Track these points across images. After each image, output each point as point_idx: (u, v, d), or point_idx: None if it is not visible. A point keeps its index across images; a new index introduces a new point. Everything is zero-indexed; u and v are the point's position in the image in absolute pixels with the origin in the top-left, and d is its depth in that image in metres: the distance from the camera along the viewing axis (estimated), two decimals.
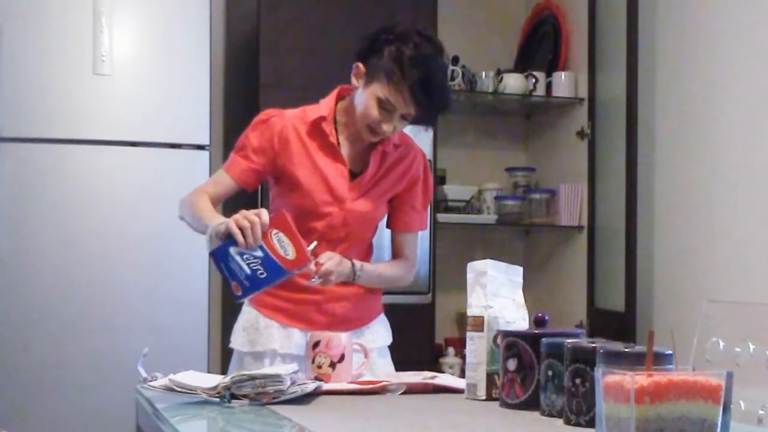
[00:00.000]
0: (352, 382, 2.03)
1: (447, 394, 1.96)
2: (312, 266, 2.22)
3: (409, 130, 2.50)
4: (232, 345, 2.44)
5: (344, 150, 2.40)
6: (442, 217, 4.19)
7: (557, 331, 1.78)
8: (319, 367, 2.04)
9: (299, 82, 3.73)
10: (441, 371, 3.66)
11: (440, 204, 4.26)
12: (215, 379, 1.80)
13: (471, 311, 1.88)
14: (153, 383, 1.82)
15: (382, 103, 2.27)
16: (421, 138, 2.59)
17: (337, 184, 2.37)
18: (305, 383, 1.84)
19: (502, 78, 4.33)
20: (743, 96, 3.46)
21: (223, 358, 3.76)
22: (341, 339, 2.08)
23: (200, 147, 3.64)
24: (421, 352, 3.81)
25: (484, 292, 1.87)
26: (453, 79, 4.22)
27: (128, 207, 3.56)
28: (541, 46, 4.58)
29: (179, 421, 1.61)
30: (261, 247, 2.08)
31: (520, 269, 1.97)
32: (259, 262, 2.08)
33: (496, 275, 1.90)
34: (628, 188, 3.86)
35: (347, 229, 2.38)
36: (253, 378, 1.75)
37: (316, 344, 2.07)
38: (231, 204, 2.55)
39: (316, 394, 1.85)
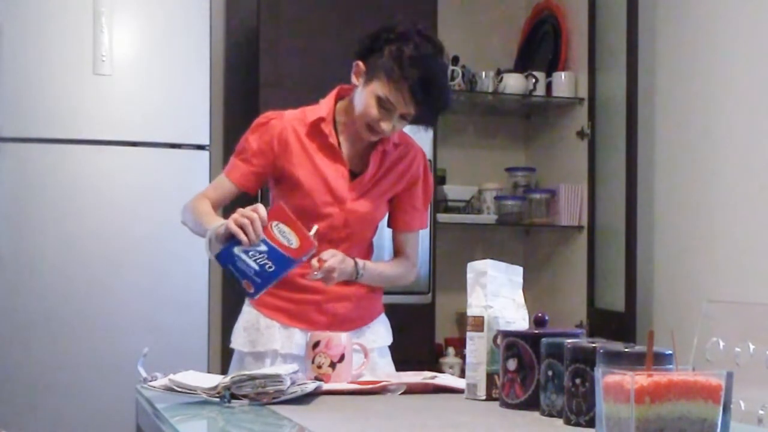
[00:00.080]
0: (352, 382, 2.03)
1: (447, 394, 1.96)
2: (315, 262, 2.23)
3: (408, 129, 2.50)
4: (232, 345, 2.44)
5: (344, 150, 2.40)
6: (442, 217, 4.19)
7: (557, 331, 1.78)
8: (319, 367, 2.04)
9: (299, 82, 3.73)
10: (441, 371, 3.66)
11: (440, 204, 4.26)
12: (215, 379, 1.80)
13: (471, 311, 1.88)
14: (153, 383, 1.82)
15: (381, 102, 2.27)
16: (421, 138, 2.59)
17: (337, 184, 2.37)
18: (305, 383, 1.84)
19: (502, 78, 4.33)
20: (743, 96, 3.46)
21: (223, 358, 3.76)
22: (341, 339, 2.08)
23: (200, 147, 3.64)
24: (421, 352, 3.81)
25: (484, 292, 1.87)
26: (453, 79, 4.22)
27: (128, 207, 3.56)
28: (541, 46, 4.58)
29: (179, 421, 1.61)
30: (264, 242, 2.09)
31: (520, 269, 1.97)
32: (266, 256, 2.09)
33: (496, 275, 1.90)
34: (628, 188, 3.86)
35: (348, 230, 2.38)
36: (253, 378, 1.75)
37: (316, 344, 2.07)
38: (231, 206, 2.55)
39: (316, 394, 1.85)
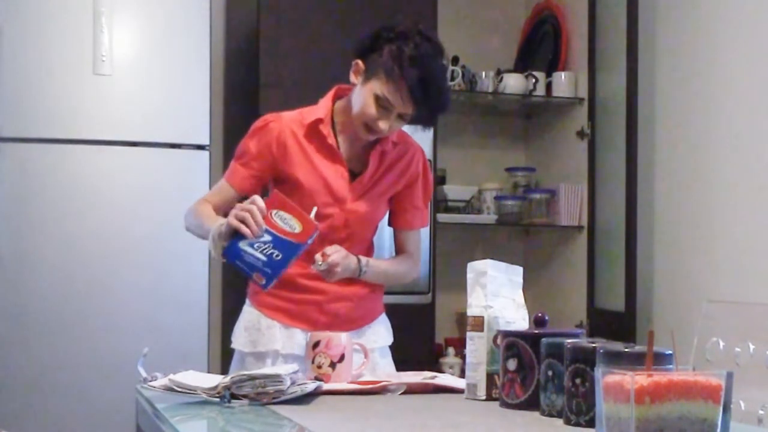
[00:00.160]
0: (352, 382, 2.03)
1: (447, 394, 1.96)
2: (318, 256, 2.24)
3: (408, 129, 2.50)
4: (233, 345, 2.44)
5: (343, 151, 2.40)
6: (442, 217, 4.19)
7: (557, 331, 1.78)
8: (319, 367, 2.04)
9: (299, 82, 3.73)
10: (441, 371, 3.66)
11: (440, 204, 4.26)
12: (215, 379, 1.80)
13: (471, 311, 1.88)
14: (153, 383, 1.82)
15: (379, 101, 2.27)
16: (421, 138, 2.59)
17: (337, 185, 2.37)
18: (305, 383, 1.84)
19: (502, 78, 4.33)
20: (743, 96, 3.46)
21: (223, 358, 3.76)
22: (341, 339, 2.08)
23: (200, 147, 3.64)
24: (421, 352, 3.81)
25: (484, 292, 1.87)
26: (453, 79, 4.22)
27: (128, 207, 3.56)
28: (541, 46, 4.58)
29: (179, 421, 1.61)
30: (267, 231, 2.10)
31: (520, 269, 1.97)
32: (271, 245, 2.10)
33: (496, 275, 1.90)
34: (628, 188, 3.86)
35: (349, 230, 2.38)
36: (253, 378, 1.75)
37: (316, 344, 2.07)
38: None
39: (316, 394, 1.85)
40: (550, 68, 4.42)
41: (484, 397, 1.83)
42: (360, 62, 2.32)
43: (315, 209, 2.19)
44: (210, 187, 3.33)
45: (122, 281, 3.53)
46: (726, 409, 1.37)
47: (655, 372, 1.21)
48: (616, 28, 3.95)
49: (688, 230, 3.71)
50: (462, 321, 4.29)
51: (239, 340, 2.43)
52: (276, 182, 2.41)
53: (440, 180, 4.34)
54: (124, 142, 3.58)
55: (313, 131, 2.37)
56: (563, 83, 4.34)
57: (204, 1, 3.66)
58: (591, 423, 1.47)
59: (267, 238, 2.10)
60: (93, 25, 3.54)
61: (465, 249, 4.39)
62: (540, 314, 1.82)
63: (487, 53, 4.59)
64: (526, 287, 1.98)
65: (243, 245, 2.10)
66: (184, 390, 1.77)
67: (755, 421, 2.24)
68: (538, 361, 1.67)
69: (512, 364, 1.73)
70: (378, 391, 1.95)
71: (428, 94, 2.25)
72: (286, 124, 2.39)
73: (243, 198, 2.42)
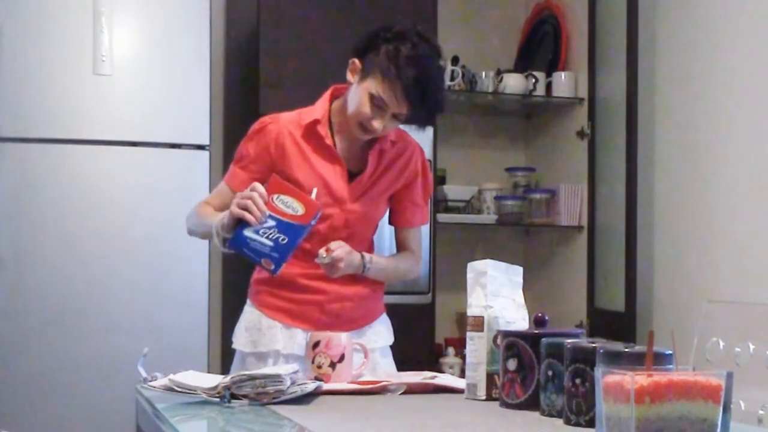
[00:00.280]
0: (352, 382, 2.03)
1: (447, 394, 1.96)
2: (322, 251, 2.25)
3: (407, 128, 2.49)
4: (234, 346, 2.44)
5: (341, 151, 2.39)
6: (442, 217, 4.19)
7: (557, 331, 1.78)
8: (319, 367, 2.04)
9: (299, 82, 3.73)
10: (441, 371, 3.66)
11: (440, 204, 4.26)
12: (215, 379, 1.80)
13: (471, 311, 1.88)
14: (153, 383, 1.82)
15: (374, 100, 2.26)
16: (421, 138, 2.58)
17: (336, 185, 2.37)
18: (305, 383, 1.84)
19: (502, 78, 4.33)
20: (743, 96, 3.46)
21: (223, 358, 3.76)
22: (341, 339, 2.08)
23: (200, 147, 3.64)
24: (421, 352, 3.81)
25: (484, 292, 1.87)
26: (453, 79, 4.22)
27: (128, 207, 3.56)
28: (541, 46, 4.58)
29: (179, 421, 1.61)
30: (271, 217, 2.11)
31: (520, 269, 1.97)
32: (276, 230, 2.11)
33: (496, 275, 1.90)
34: (628, 188, 3.86)
35: (349, 230, 2.38)
36: (253, 378, 1.75)
37: (316, 344, 2.07)
38: None
39: (316, 394, 1.85)
40: (550, 68, 4.42)
41: (484, 397, 1.83)
42: (357, 61, 2.32)
43: (315, 190, 2.20)
44: (210, 188, 3.35)
45: (122, 281, 3.53)
46: (726, 409, 1.37)
47: (655, 372, 1.21)
48: (616, 28, 3.95)
49: (688, 230, 3.71)
50: (462, 321, 4.29)
51: (240, 341, 2.43)
52: None
53: (440, 180, 4.34)
54: (124, 142, 3.58)
55: (310, 132, 2.37)
56: (563, 83, 4.34)
57: (204, 1, 3.66)
58: (591, 423, 1.47)
59: (271, 223, 2.11)
60: (93, 25, 3.54)
61: (465, 249, 4.39)
62: (540, 314, 1.82)
63: (487, 53, 4.58)
64: (526, 287, 1.98)
65: (248, 233, 2.11)
66: (184, 390, 1.77)
67: (755, 421, 2.24)
68: (538, 361, 1.67)
69: (512, 364, 1.73)
70: (378, 391, 1.95)
71: (423, 95, 2.25)
72: (283, 125, 2.39)
73: None
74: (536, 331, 1.75)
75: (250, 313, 2.44)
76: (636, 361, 1.33)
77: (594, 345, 1.52)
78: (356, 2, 3.87)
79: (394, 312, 2.58)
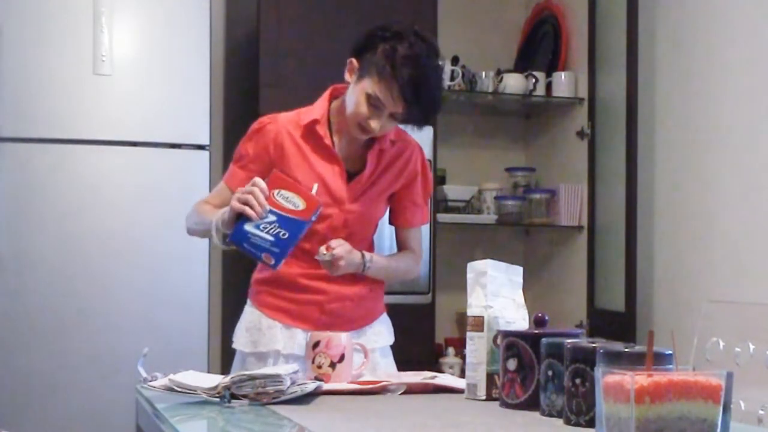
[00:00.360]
0: (352, 382, 2.03)
1: (447, 394, 1.96)
2: (323, 249, 2.25)
3: (406, 128, 2.49)
4: (234, 346, 2.44)
5: (340, 151, 2.39)
6: (442, 217, 4.19)
7: (557, 331, 1.78)
8: (319, 367, 2.04)
9: (299, 82, 3.73)
10: (441, 371, 3.66)
11: (440, 204, 4.26)
12: (215, 379, 1.80)
13: (471, 311, 1.88)
14: (153, 383, 1.82)
15: (371, 100, 2.26)
16: (421, 138, 2.58)
17: (335, 185, 2.36)
18: (305, 383, 1.84)
19: (502, 78, 4.33)
20: (743, 95, 3.46)
21: (223, 358, 3.76)
22: (341, 339, 2.08)
23: (200, 147, 3.64)
24: (421, 352, 3.81)
25: (484, 292, 1.87)
26: (453, 79, 4.22)
27: (128, 207, 3.56)
28: (541, 46, 4.58)
29: (179, 421, 1.61)
30: (271, 212, 2.12)
31: (520, 269, 1.97)
32: (277, 225, 2.12)
33: (496, 275, 1.90)
34: (628, 188, 3.86)
35: (348, 230, 2.38)
36: (253, 378, 1.75)
37: (316, 344, 2.07)
38: None
39: (316, 394, 1.85)
40: (550, 68, 4.42)
41: (484, 397, 1.83)
42: (354, 61, 2.32)
43: (316, 186, 2.20)
44: (210, 188, 3.35)
45: (122, 281, 3.53)
46: (726, 409, 1.37)
47: (655, 372, 1.21)
48: (616, 28, 3.95)
49: (687, 230, 3.71)
50: (462, 321, 4.29)
51: (240, 341, 2.43)
52: None
53: (440, 180, 4.34)
54: (124, 142, 3.58)
55: (309, 132, 2.37)
56: (563, 83, 4.34)
57: (204, 1, 3.66)
58: (591, 423, 1.47)
59: (272, 218, 2.12)
60: (93, 25, 3.54)
61: (465, 249, 4.39)
62: (540, 314, 1.82)
63: (487, 53, 4.58)
64: (526, 287, 1.98)
65: (249, 228, 2.12)
66: (184, 390, 1.77)
67: (755, 421, 2.24)
68: (538, 361, 1.67)
69: (512, 364, 1.73)
70: (378, 391, 1.95)
71: (419, 94, 2.24)
72: (282, 125, 2.39)
73: None
74: (536, 331, 1.75)
75: (250, 313, 2.44)
76: (636, 361, 1.33)
77: (594, 345, 1.52)
78: (356, 2, 3.87)
79: (394, 312, 2.58)
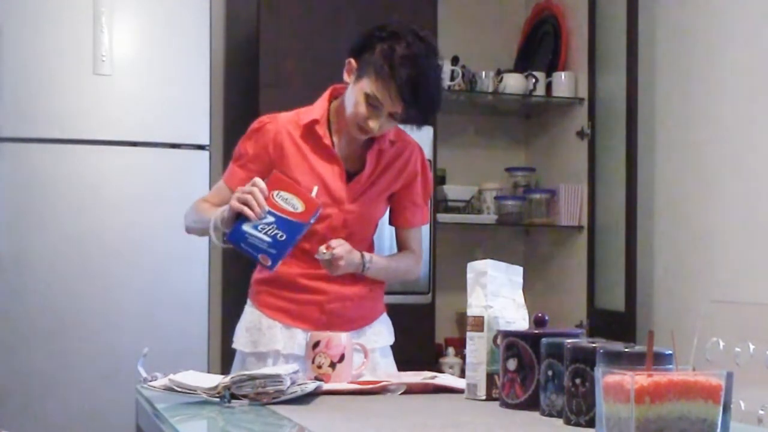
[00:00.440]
0: (352, 382, 2.03)
1: (447, 394, 1.96)
2: (322, 248, 2.25)
3: (406, 128, 2.49)
4: (234, 346, 2.44)
5: (340, 151, 2.39)
6: (442, 217, 4.19)
7: (557, 331, 1.78)
8: (319, 367, 2.04)
9: (299, 82, 3.73)
10: (441, 371, 3.66)
11: (440, 204, 4.26)
12: (215, 379, 1.80)
13: (471, 311, 1.88)
14: (153, 383, 1.82)
15: (369, 99, 2.26)
16: (421, 138, 2.58)
17: (334, 185, 2.36)
18: (305, 383, 1.84)
19: (502, 78, 4.33)
20: (743, 96, 3.46)
21: (223, 358, 3.76)
22: (341, 339, 2.08)
23: (200, 147, 3.64)
24: (421, 352, 3.81)
25: (484, 292, 1.87)
26: (453, 79, 4.22)
27: (128, 207, 3.56)
28: (541, 46, 4.58)
29: (179, 421, 1.61)
30: (270, 213, 2.12)
31: (520, 269, 1.97)
32: (275, 226, 2.12)
33: (496, 275, 1.90)
34: (628, 188, 3.86)
35: (348, 230, 2.38)
36: (253, 378, 1.75)
37: (316, 344, 2.07)
38: None
39: (316, 394, 1.85)
40: (550, 68, 4.42)
41: (484, 397, 1.83)
42: (353, 61, 2.32)
43: (316, 188, 2.20)
44: (210, 188, 3.33)
45: (122, 281, 3.53)
46: (726, 409, 1.37)
47: (655, 372, 1.21)
48: (616, 28, 3.95)
49: (688, 230, 3.71)
50: (462, 321, 4.29)
51: (240, 341, 2.43)
52: None
53: (440, 180, 4.34)
54: (124, 142, 3.58)
55: (309, 132, 2.37)
56: (563, 83, 4.34)
57: (204, 1, 3.66)
58: (591, 423, 1.46)
59: (270, 219, 2.12)
60: (93, 25, 3.54)
61: (465, 249, 4.39)
62: (540, 314, 1.82)
63: (487, 53, 4.58)
64: (526, 287, 1.98)
65: (247, 228, 2.12)
66: (184, 390, 1.77)
67: (755, 421, 2.24)
68: (538, 361, 1.67)
69: (512, 364, 1.73)
70: (378, 391, 1.95)
71: (418, 94, 2.24)
72: (282, 125, 2.39)
73: None
74: (536, 331, 1.75)
75: (250, 313, 2.44)
76: (636, 361, 1.33)
77: (594, 345, 1.52)
78: (356, 2, 3.87)
79: (394, 312, 2.58)
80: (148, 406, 1.80)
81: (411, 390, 1.96)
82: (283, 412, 1.66)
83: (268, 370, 1.82)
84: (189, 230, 2.44)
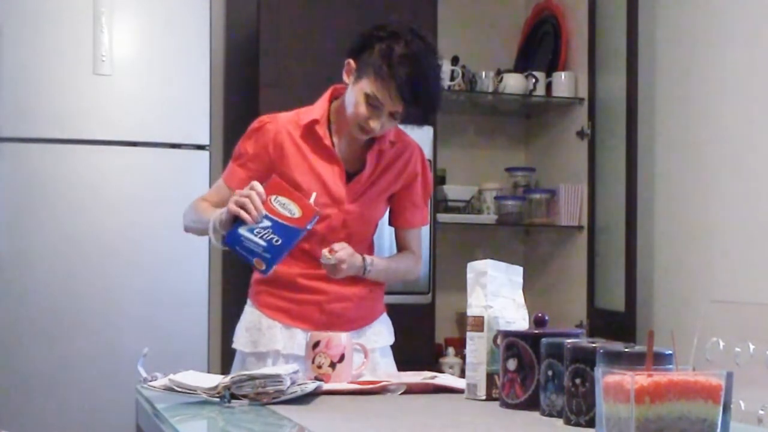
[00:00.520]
0: (352, 382, 2.03)
1: (447, 394, 1.95)
2: (326, 251, 2.26)
3: (406, 128, 2.49)
4: (234, 346, 2.45)
5: (340, 151, 2.39)
6: (442, 217, 4.19)
7: (557, 331, 1.78)
8: (319, 367, 2.04)
9: (299, 82, 3.73)
10: (441, 371, 3.66)
11: (440, 204, 4.26)
12: (215, 379, 1.80)
13: (471, 311, 1.88)
14: (153, 383, 1.82)
15: (369, 99, 2.26)
16: (421, 137, 2.59)
17: (334, 186, 2.36)
18: (305, 383, 1.84)
19: (502, 78, 4.33)
20: (743, 96, 3.46)
21: (223, 358, 3.76)
22: (341, 339, 2.08)
23: (200, 147, 3.64)
24: (421, 352, 3.81)
25: (484, 292, 1.87)
26: (453, 79, 4.22)
27: (128, 207, 3.56)
28: (541, 46, 4.58)
29: (179, 421, 1.61)
30: (267, 217, 2.11)
31: (520, 269, 1.97)
32: (271, 230, 2.11)
33: (496, 275, 1.90)
34: (628, 188, 3.86)
35: (347, 230, 2.38)
36: (253, 378, 1.75)
37: (316, 344, 2.07)
38: None
39: (316, 394, 1.85)
40: (550, 68, 4.42)
41: (484, 397, 1.83)
42: (352, 62, 2.32)
43: (314, 195, 2.20)
44: (210, 188, 3.34)
45: (122, 281, 3.53)
46: (726, 409, 1.37)
47: (655, 372, 1.21)
48: (616, 28, 3.95)
49: (688, 230, 3.71)
50: (462, 321, 4.29)
51: (240, 341, 2.43)
52: None
53: (440, 180, 4.34)
54: (124, 142, 3.58)
55: (309, 132, 2.37)
56: (563, 83, 4.34)
57: (204, 1, 3.66)
58: (591, 423, 1.46)
59: (267, 223, 2.11)
60: (93, 25, 3.54)
61: (465, 249, 4.39)
62: (540, 314, 1.82)
63: (487, 53, 4.58)
64: (526, 287, 1.98)
65: (243, 231, 2.12)
66: (184, 390, 1.77)
67: (755, 421, 2.24)
68: (538, 361, 1.67)
69: (512, 364, 1.73)
70: (378, 391, 1.95)
71: (417, 93, 2.24)
72: (282, 125, 2.39)
73: None
74: (536, 331, 1.75)
75: (250, 314, 2.44)
76: (636, 361, 1.33)
77: (594, 345, 1.52)
78: (356, 2, 3.87)
79: (394, 312, 2.58)
80: (148, 406, 1.80)
81: (411, 390, 1.96)
82: (283, 412, 1.66)
83: (268, 370, 1.82)
84: (187, 229, 2.44)
